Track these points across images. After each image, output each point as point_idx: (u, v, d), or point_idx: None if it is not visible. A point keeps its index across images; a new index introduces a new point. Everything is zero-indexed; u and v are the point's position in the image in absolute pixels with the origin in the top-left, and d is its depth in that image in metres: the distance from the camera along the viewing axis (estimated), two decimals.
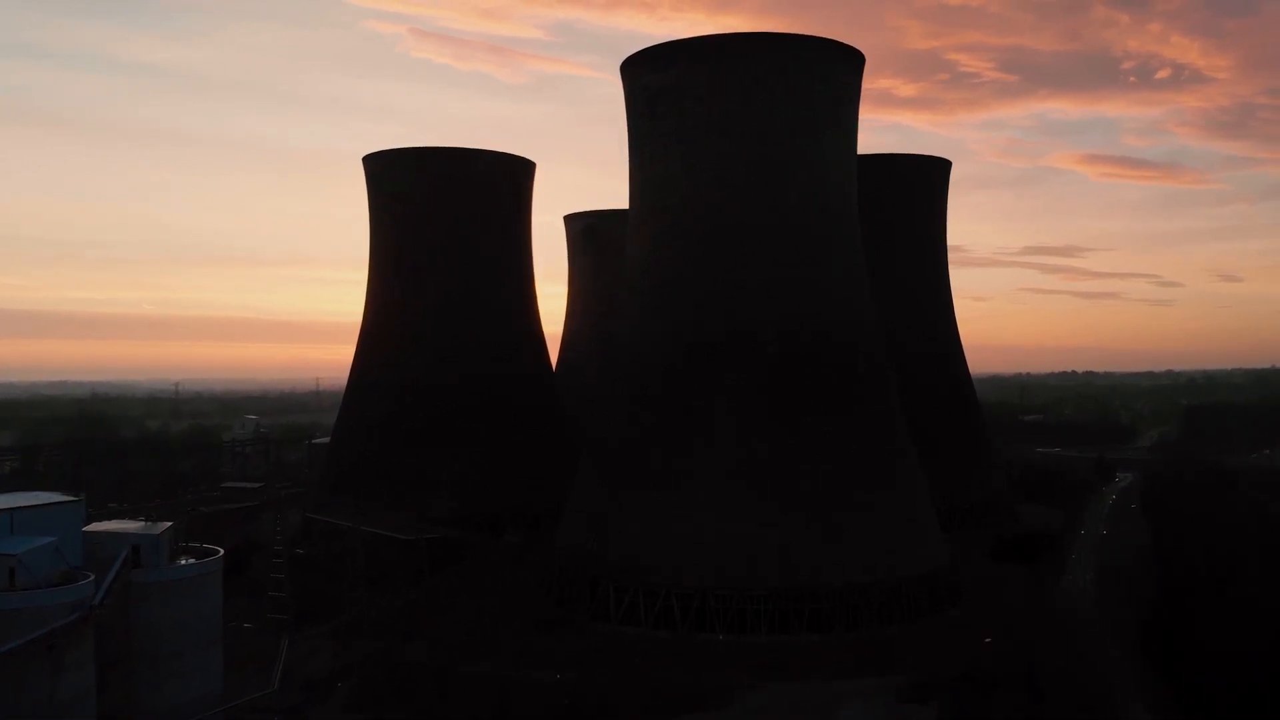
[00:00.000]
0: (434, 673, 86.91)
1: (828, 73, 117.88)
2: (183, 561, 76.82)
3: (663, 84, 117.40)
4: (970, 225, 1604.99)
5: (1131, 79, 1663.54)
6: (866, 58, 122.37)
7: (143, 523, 78.55)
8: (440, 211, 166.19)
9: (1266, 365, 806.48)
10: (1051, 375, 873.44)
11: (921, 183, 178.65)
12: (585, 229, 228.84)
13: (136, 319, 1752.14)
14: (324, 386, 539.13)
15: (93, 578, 66.05)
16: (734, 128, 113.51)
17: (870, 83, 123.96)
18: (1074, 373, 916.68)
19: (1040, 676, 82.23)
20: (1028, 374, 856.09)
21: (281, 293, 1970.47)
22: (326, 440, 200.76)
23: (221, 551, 79.53)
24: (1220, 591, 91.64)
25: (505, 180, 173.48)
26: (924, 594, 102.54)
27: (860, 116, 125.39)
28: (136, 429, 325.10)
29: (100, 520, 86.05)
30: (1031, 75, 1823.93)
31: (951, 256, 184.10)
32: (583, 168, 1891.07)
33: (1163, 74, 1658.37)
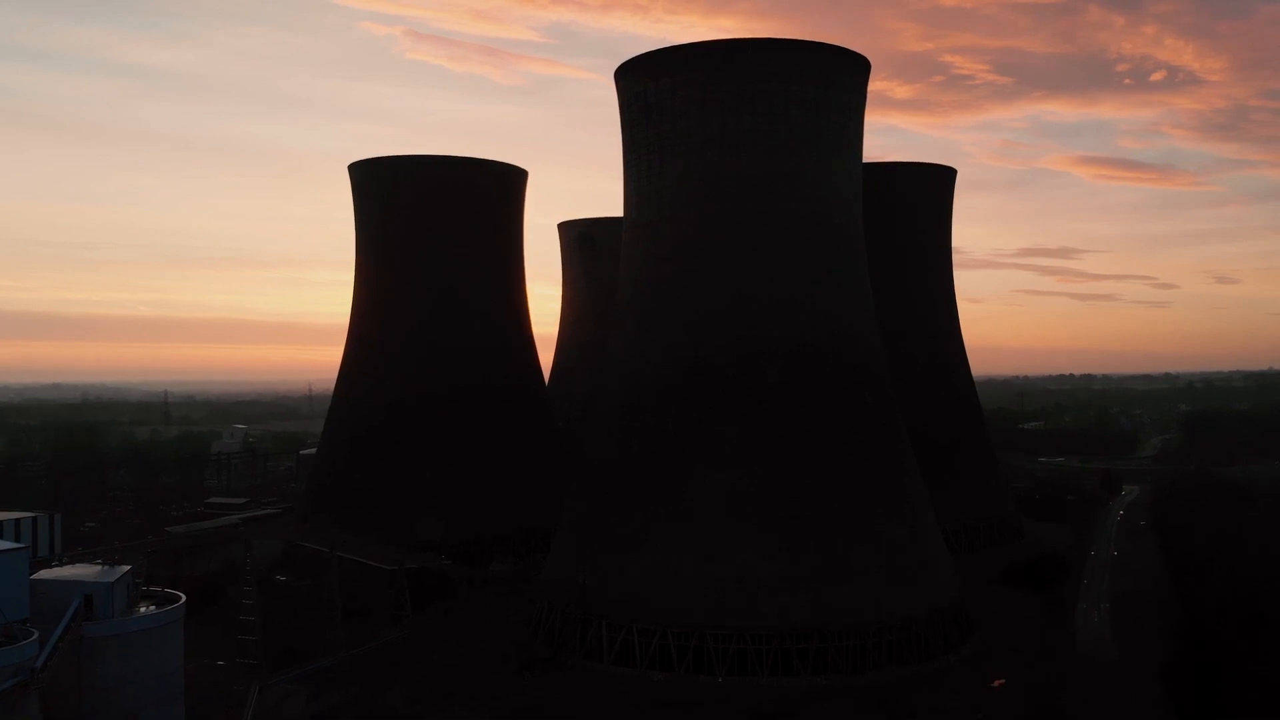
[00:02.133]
0: None
1: (831, 80, 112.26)
2: (141, 610, 71.57)
3: (658, 92, 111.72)
4: (966, 227, 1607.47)
5: (1126, 81, 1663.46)
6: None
7: (99, 566, 73.19)
8: (428, 222, 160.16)
9: (1264, 367, 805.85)
10: (1049, 378, 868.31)
11: (926, 191, 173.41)
12: (580, 236, 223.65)
13: (131, 320, 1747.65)
14: (316, 391, 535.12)
15: (36, 635, 60.74)
16: (732, 138, 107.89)
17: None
18: (1071, 375, 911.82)
19: None
20: (1025, 376, 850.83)
21: (276, 294, 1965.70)
22: (314, 451, 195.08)
23: (183, 598, 73.96)
24: (1250, 633, 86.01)
25: (496, 189, 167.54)
26: (935, 632, 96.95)
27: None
28: (124, 437, 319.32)
29: (75, 537, 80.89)
30: (1026, 77, 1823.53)
31: None
32: (577, 169, 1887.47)
33: (1157, 76, 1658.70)
